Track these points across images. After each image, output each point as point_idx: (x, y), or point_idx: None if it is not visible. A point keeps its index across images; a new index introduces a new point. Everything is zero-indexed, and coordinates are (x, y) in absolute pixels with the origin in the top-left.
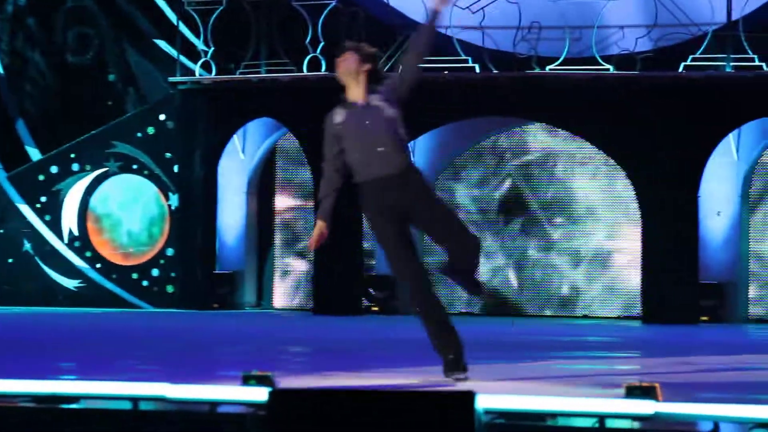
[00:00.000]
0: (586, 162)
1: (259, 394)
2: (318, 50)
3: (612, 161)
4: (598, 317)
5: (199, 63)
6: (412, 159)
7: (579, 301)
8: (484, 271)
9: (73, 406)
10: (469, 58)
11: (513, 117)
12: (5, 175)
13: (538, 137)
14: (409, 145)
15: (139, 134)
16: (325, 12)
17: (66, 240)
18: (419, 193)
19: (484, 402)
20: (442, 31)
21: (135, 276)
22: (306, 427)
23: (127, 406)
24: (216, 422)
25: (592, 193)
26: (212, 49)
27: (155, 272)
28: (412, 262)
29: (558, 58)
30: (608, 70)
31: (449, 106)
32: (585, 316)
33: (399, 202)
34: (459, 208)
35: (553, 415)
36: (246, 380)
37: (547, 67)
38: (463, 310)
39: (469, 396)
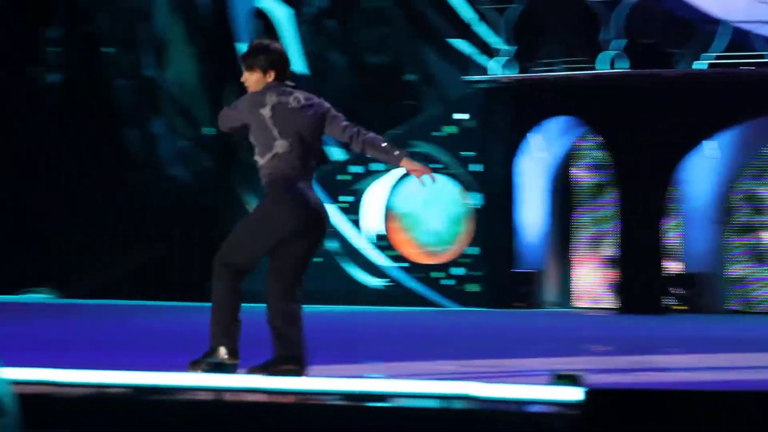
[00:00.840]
0: None
1: (569, 393)
2: (621, 47)
3: None
4: None
5: (497, 61)
6: (283, 171)
7: None
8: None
9: (380, 404)
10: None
11: None
12: None
13: None
14: (281, 151)
15: (436, 133)
16: (622, 8)
17: (369, 239)
18: None
19: None
20: (740, 26)
21: (437, 275)
22: (622, 426)
23: (434, 404)
24: (524, 422)
25: None
26: (513, 47)
27: (458, 271)
28: (252, 259)
29: None
30: None
31: (750, 102)
32: None
33: None
34: (758, 205)
35: None
36: (556, 380)
37: None
38: (737, 308)
39: None
